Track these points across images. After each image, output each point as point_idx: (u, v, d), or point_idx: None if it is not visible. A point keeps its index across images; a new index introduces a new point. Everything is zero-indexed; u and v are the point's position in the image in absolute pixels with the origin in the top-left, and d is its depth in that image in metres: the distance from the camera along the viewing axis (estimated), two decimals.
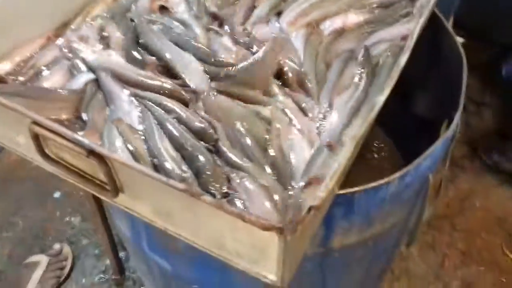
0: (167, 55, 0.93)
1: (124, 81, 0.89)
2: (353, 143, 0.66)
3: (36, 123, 0.68)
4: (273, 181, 0.74)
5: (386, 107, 1.47)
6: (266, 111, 0.85)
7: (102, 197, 0.75)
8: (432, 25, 1.15)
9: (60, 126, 0.67)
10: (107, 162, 0.66)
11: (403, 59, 0.78)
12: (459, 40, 1.18)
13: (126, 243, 1.49)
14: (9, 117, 0.73)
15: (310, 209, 0.58)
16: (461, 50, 1.07)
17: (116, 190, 0.70)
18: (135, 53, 0.95)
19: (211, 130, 0.81)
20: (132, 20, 1.03)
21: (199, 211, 0.63)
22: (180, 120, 0.83)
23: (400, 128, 1.41)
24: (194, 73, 0.90)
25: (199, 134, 0.81)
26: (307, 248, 0.73)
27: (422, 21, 0.85)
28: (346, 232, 0.92)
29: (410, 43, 0.80)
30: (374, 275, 1.27)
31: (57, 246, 1.85)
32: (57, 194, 2.10)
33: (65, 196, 2.09)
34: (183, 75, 0.90)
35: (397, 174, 0.85)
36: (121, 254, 1.80)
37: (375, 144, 1.52)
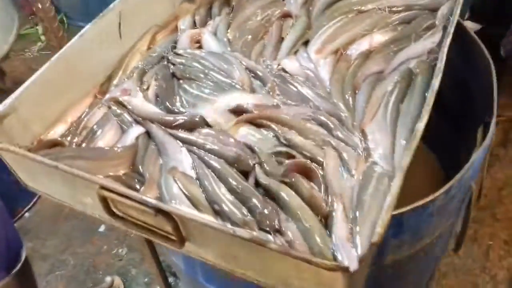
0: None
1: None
2: (402, 174, 0.69)
3: (104, 187, 0.74)
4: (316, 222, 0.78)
5: None
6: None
7: (168, 247, 0.80)
8: (458, 34, 1.18)
9: (128, 189, 0.72)
10: (174, 217, 0.71)
11: (436, 83, 0.82)
12: (475, 27, 1.18)
13: (179, 274, 1.54)
14: (78, 182, 0.79)
15: (371, 245, 0.62)
16: (488, 55, 1.09)
17: (183, 241, 0.76)
18: (167, 103, 1.02)
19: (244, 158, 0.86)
20: (171, 63, 1.10)
21: (265, 255, 0.68)
22: (214, 151, 0.89)
23: (434, 133, 1.44)
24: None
25: (233, 162, 0.87)
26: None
27: (448, 41, 0.88)
28: (397, 249, 0.95)
29: (440, 64, 0.84)
30: (426, 279, 1.30)
31: (108, 279, 1.94)
32: (101, 228, 2.18)
33: (109, 229, 2.17)
34: None
35: (442, 190, 0.88)
36: (170, 279, 1.86)
37: None
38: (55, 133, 0.97)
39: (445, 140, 1.32)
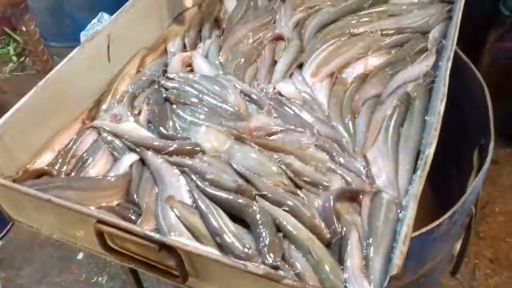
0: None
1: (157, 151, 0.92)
2: (415, 203, 0.68)
3: (102, 222, 0.69)
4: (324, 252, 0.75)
5: None
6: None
7: (170, 282, 0.75)
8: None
9: (128, 224, 0.68)
10: (179, 252, 0.67)
11: (442, 107, 0.81)
12: None
13: None
14: (71, 216, 0.74)
15: (390, 279, 0.60)
16: (481, 78, 1.09)
17: (186, 276, 0.71)
18: (161, 128, 0.98)
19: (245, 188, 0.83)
20: (163, 87, 1.06)
21: None
22: (214, 182, 0.85)
23: None
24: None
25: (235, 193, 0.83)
26: None
27: (449, 65, 0.88)
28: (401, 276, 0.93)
29: (445, 89, 0.83)
30: None
31: None
32: (80, 256, 2.09)
33: (89, 257, 2.08)
34: None
35: (447, 215, 0.86)
36: None
37: None
38: (42, 161, 0.91)
39: (435, 163, 1.32)
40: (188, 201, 0.84)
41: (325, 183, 0.82)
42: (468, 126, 1.15)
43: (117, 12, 1.08)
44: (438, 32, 1.14)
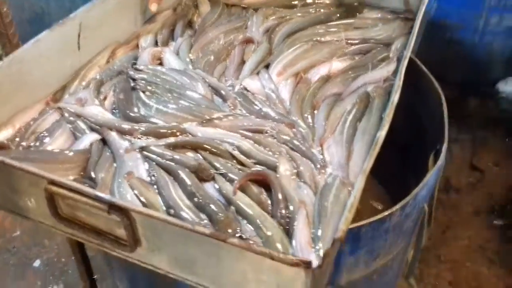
0: None
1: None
2: (364, 176, 0.70)
3: (53, 183, 0.69)
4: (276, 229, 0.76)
5: None
6: None
7: (118, 253, 0.75)
8: (409, 69, 1.24)
9: (79, 184, 0.68)
10: (129, 215, 0.67)
11: (396, 97, 0.84)
12: None
13: None
14: (23, 181, 0.73)
15: (334, 241, 0.61)
16: (438, 87, 1.14)
17: (135, 243, 0.71)
18: (127, 112, 0.99)
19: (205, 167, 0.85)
20: (131, 78, 1.08)
21: (224, 255, 0.65)
22: (175, 160, 0.86)
23: (385, 169, 1.46)
24: None
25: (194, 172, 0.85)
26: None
27: (405, 62, 0.92)
28: (352, 268, 0.94)
29: (400, 82, 0.87)
30: None
31: None
32: (36, 263, 2.02)
33: (45, 264, 2.02)
34: None
35: (398, 205, 0.89)
36: None
37: None
38: (0, 137, 0.91)
39: (395, 175, 1.35)
40: (146, 178, 0.85)
41: (274, 164, 0.85)
42: (426, 133, 1.19)
43: (90, 2, 1.10)
44: (400, 43, 1.20)
